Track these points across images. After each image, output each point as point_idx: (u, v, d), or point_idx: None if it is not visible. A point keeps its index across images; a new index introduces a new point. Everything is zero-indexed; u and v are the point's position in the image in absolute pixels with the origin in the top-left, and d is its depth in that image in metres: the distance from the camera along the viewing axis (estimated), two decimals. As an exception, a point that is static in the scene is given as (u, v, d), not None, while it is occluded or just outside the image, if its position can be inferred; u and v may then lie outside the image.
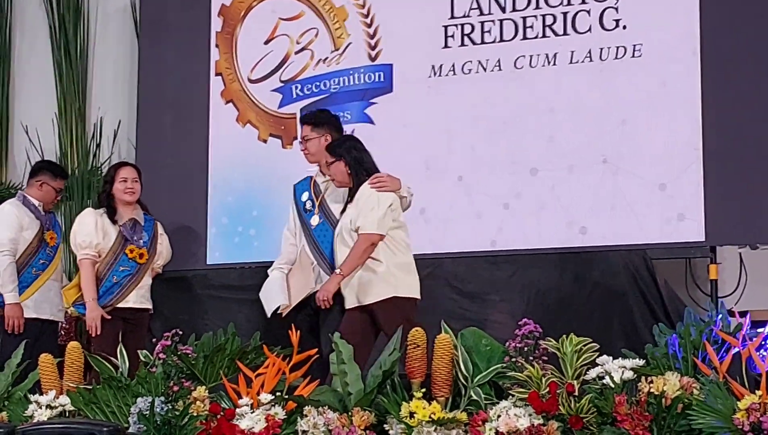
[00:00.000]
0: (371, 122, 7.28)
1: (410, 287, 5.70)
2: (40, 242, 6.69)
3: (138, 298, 6.41)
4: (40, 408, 4.74)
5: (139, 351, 5.01)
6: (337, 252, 5.74)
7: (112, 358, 5.01)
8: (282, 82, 7.57)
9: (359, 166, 5.78)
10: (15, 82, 8.86)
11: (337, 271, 5.63)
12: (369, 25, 7.36)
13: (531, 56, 6.88)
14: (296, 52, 7.55)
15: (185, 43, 7.85)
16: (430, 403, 4.27)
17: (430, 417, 4.20)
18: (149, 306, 6.53)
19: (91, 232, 6.34)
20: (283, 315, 5.84)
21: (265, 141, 7.54)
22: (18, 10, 8.89)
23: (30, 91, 8.80)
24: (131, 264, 6.38)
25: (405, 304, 5.62)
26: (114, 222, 6.43)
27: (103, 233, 6.37)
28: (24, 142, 8.57)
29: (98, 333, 6.16)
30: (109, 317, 6.24)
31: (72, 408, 4.73)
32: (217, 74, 7.76)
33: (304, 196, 6.11)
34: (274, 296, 5.95)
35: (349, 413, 4.41)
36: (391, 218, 5.67)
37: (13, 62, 8.86)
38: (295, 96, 7.53)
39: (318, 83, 7.48)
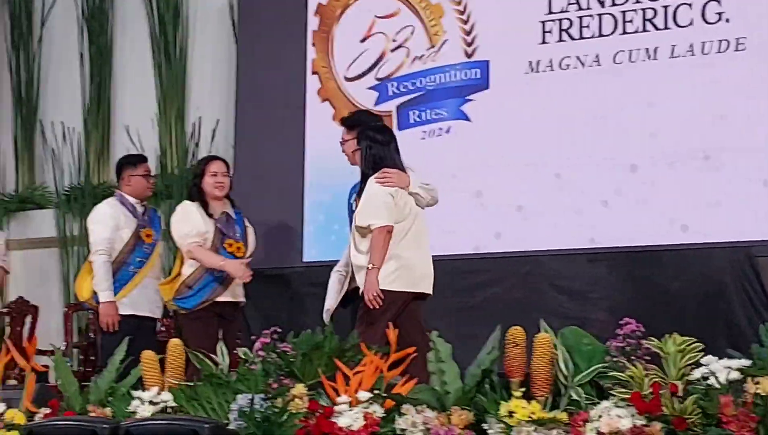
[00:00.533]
0: (467, 119, 7.25)
1: (400, 281, 5.62)
2: (137, 240, 6.70)
3: (235, 291, 6.40)
4: (143, 404, 4.79)
5: (238, 349, 5.04)
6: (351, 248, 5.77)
7: (211, 355, 5.04)
8: (378, 79, 7.58)
9: (369, 160, 5.75)
10: (116, 84, 9.02)
11: (369, 265, 5.59)
12: (465, 22, 7.33)
13: (631, 51, 6.79)
14: (392, 50, 7.56)
15: (282, 42, 7.90)
16: (529, 403, 4.23)
17: (529, 416, 4.16)
18: (243, 299, 6.54)
19: (197, 220, 6.29)
20: (327, 318, 5.86)
21: (361, 139, 7.56)
22: (119, 13, 9.04)
23: (130, 92, 8.95)
24: (230, 257, 6.38)
25: (388, 299, 5.55)
26: (209, 216, 6.38)
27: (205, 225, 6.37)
28: (125, 142, 8.71)
29: (249, 280, 6.24)
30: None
31: (174, 404, 4.77)
32: (313, 73, 7.80)
33: (352, 199, 6.14)
34: (325, 303, 6.00)
35: (448, 412, 4.38)
36: (394, 207, 5.63)
37: (114, 64, 9.02)
38: (391, 94, 7.53)
39: (414, 81, 7.47)
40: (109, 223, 6.64)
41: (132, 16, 8.97)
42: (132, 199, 6.78)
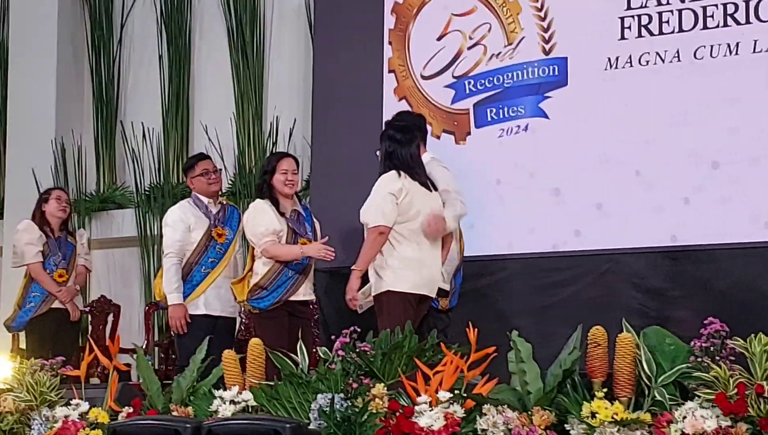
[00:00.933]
0: (546, 117, 7.19)
1: (408, 282, 5.63)
2: (209, 240, 6.69)
3: (306, 290, 6.38)
4: (224, 403, 4.82)
5: (318, 348, 5.05)
6: None
7: (290, 354, 5.06)
8: (455, 77, 7.55)
9: (385, 158, 5.81)
10: (195, 84, 9.11)
11: (353, 267, 5.69)
12: (543, 19, 7.28)
13: (712, 46, 6.69)
14: (469, 48, 7.52)
15: (358, 41, 7.90)
16: (611, 403, 4.19)
17: (612, 417, 4.12)
18: (314, 297, 6.54)
19: (271, 219, 6.27)
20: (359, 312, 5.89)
21: (438, 137, 7.52)
22: (197, 14, 9.13)
23: (209, 91, 9.04)
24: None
25: (401, 299, 5.57)
26: (281, 214, 6.35)
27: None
28: (203, 141, 8.79)
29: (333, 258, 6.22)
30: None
31: (254, 403, 4.80)
32: (390, 71, 7.79)
33: None
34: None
35: (529, 412, 4.36)
36: (395, 207, 5.65)
37: (193, 64, 9.12)
38: (468, 91, 7.50)
39: (491, 78, 7.43)
40: (179, 226, 6.66)
41: (209, 17, 9.06)
42: (206, 200, 6.79)
